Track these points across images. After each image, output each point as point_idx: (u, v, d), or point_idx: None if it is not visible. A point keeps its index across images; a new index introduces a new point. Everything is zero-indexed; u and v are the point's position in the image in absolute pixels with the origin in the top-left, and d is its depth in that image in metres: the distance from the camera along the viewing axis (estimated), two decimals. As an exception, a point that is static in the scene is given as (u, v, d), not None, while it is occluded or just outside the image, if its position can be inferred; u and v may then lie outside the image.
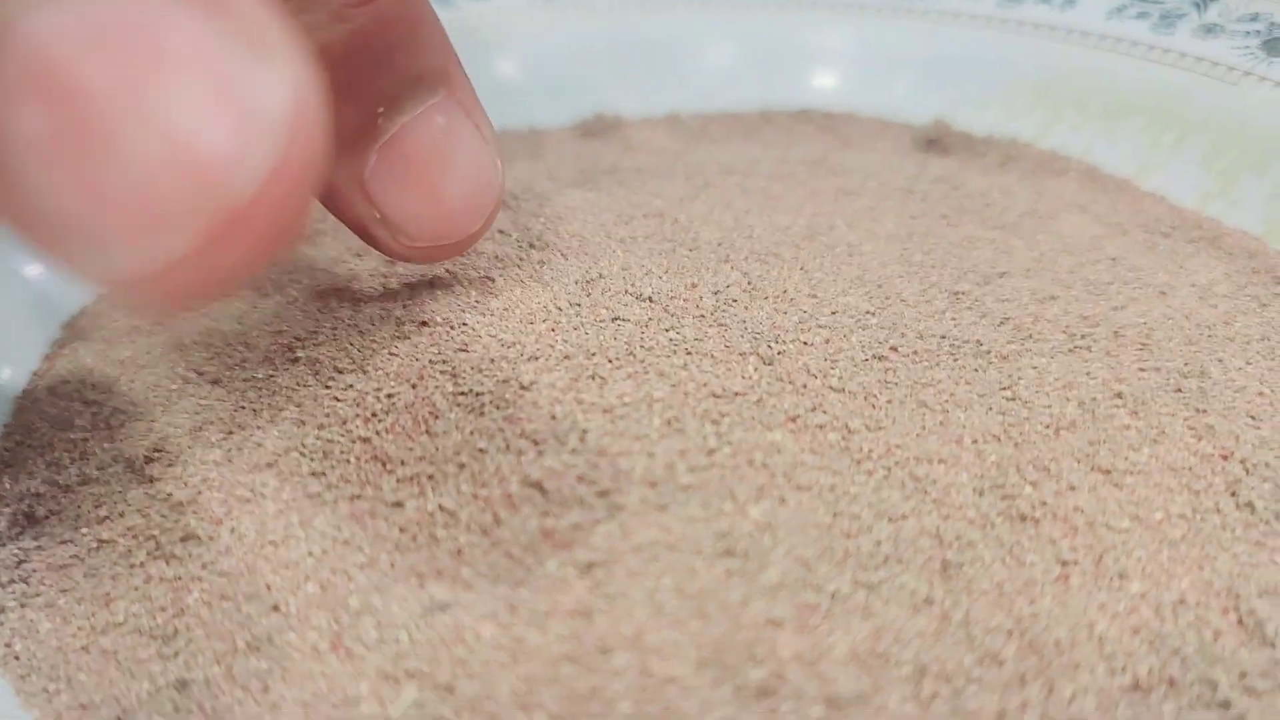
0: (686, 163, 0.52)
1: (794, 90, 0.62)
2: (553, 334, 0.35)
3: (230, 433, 0.34)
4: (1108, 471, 0.31)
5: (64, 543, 0.32)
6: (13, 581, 0.31)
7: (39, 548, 0.32)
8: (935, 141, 0.56)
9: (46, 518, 0.33)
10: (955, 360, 0.35)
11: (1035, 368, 0.35)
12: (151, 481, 0.33)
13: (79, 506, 0.33)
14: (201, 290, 0.20)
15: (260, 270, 0.34)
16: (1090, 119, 0.54)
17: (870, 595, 0.27)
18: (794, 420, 0.32)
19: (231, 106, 0.17)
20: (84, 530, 0.32)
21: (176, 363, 0.37)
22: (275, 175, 0.17)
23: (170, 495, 0.32)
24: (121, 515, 0.32)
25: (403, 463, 0.31)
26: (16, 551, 0.32)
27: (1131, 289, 0.40)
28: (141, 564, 0.30)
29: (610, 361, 0.34)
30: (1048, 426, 0.32)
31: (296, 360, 0.36)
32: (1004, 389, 0.34)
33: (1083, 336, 0.36)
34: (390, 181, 0.33)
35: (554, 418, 0.32)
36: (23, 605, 0.30)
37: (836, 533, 0.28)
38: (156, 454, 0.33)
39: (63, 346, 0.43)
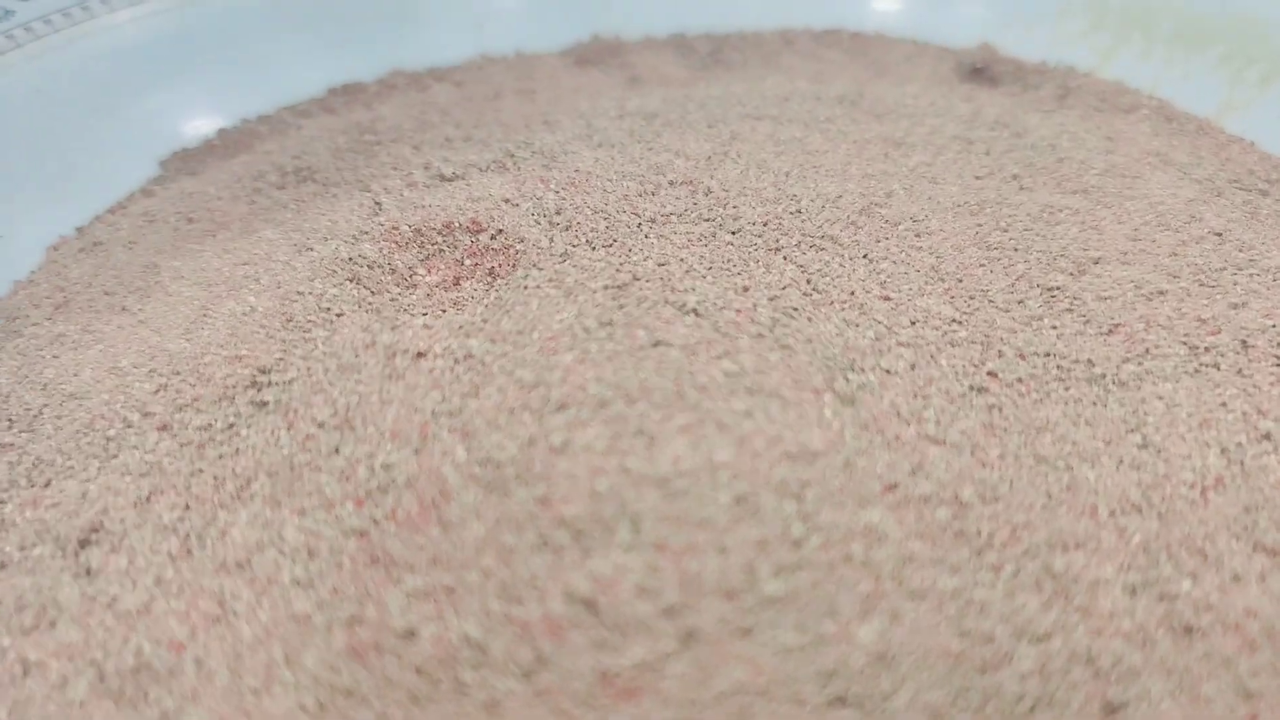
0: (705, 104, 0.44)
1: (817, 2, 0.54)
2: (582, 368, 0.28)
3: (187, 507, 0.26)
4: (1275, 553, 0.25)
5: None
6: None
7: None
8: (980, 70, 0.48)
9: None
10: (1066, 389, 0.28)
11: (1161, 397, 0.28)
12: (89, 575, 0.25)
13: None
14: None
15: None
16: (1159, 46, 0.47)
17: (1028, 767, 0.21)
18: (892, 490, 0.25)
19: None
20: (3, 642, 0.24)
21: (114, 393, 0.30)
22: None
23: (115, 599, 0.24)
24: (53, 625, 0.24)
25: (411, 568, 0.24)
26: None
27: (1248, 276, 0.33)
28: (82, 703, 0.22)
29: (657, 408, 0.27)
30: (1192, 487, 0.26)
31: (264, 405, 0.28)
32: (1131, 431, 0.27)
33: (1206, 350, 0.30)
34: None
35: (596, 494, 0.25)
36: None
37: (970, 667, 0.22)
38: (94, 534, 0.26)
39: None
